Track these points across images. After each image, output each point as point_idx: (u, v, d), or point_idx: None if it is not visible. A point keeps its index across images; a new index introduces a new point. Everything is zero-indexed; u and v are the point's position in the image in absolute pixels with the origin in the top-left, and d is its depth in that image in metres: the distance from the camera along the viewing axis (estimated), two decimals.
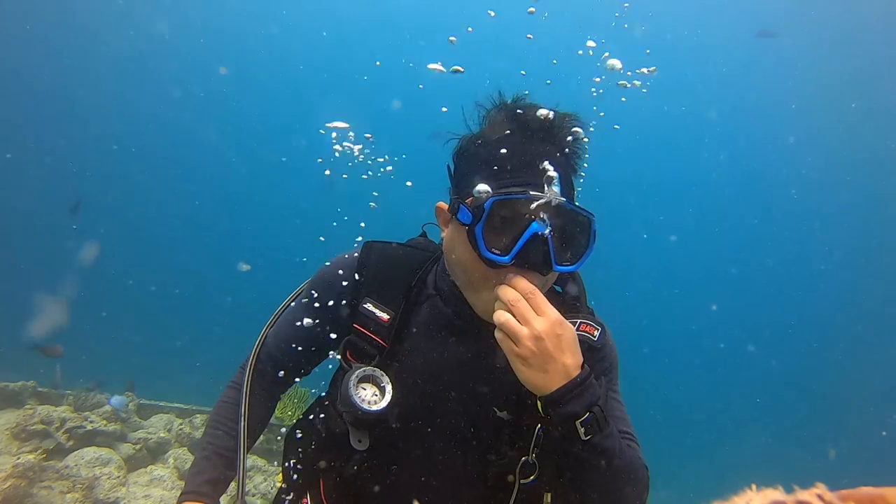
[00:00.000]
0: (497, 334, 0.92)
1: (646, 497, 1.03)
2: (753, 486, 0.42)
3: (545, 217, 0.94)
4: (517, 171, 0.97)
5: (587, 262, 1.01)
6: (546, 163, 0.97)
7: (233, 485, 1.11)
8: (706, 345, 14.50)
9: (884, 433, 10.78)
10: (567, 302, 1.15)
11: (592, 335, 1.07)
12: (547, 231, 0.93)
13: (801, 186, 14.01)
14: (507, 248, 0.94)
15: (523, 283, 0.92)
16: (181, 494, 1.08)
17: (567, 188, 0.99)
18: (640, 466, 1.01)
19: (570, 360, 0.90)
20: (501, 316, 0.90)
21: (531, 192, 0.94)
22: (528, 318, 0.88)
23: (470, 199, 0.98)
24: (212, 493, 1.09)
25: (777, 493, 0.40)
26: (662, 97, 12.75)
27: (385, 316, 1.09)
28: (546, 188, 0.95)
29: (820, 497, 0.38)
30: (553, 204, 0.94)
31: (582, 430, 0.88)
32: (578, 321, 1.07)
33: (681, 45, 12.78)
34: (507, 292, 0.91)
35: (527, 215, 0.94)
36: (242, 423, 1.12)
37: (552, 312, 0.90)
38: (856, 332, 13.33)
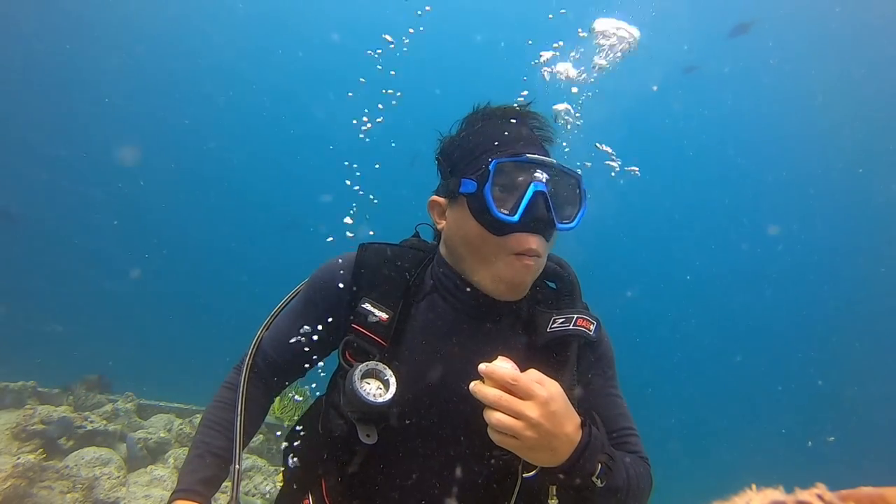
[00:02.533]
0: (494, 436, 0.88)
1: (649, 493, 1.05)
2: (753, 486, 0.42)
3: (543, 178, 1.02)
4: (510, 144, 1.06)
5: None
6: (536, 131, 1.09)
7: (228, 484, 1.10)
8: (707, 344, 14.51)
9: (831, 439, 10.88)
10: (562, 297, 1.16)
11: (589, 329, 1.08)
12: (546, 189, 1.01)
13: (805, 185, 14.02)
14: (513, 208, 1.01)
15: (499, 371, 0.87)
16: (173, 492, 1.07)
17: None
18: (646, 480, 1.03)
19: (571, 427, 0.89)
20: (493, 417, 0.86)
21: (528, 155, 1.03)
22: (518, 410, 0.85)
23: (469, 174, 1.05)
24: (204, 492, 1.08)
25: (777, 493, 0.40)
26: (664, 94, 12.77)
27: (384, 315, 1.09)
28: (540, 153, 1.05)
29: (820, 497, 0.38)
30: (549, 164, 1.03)
31: (598, 481, 0.90)
32: (574, 316, 1.09)
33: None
34: (486, 392, 0.87)
35: (527, 178, 1.02)
36: (238, 423, 1.12)
37: (539, 391, 0.86)
38: (858, 333, 13.33)
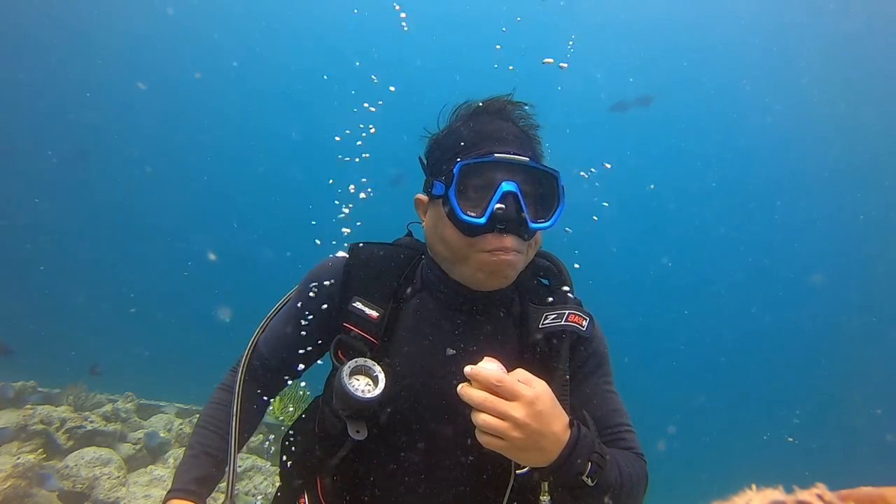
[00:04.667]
0: (481, 438, 0.87)
1: (645, 490, 1.04)
2: (753, 486, 0.42)
3: (514, 178, 0.99)
4: (481, 144, 1.03)
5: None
6: (521, 122, 1.07)
7: (225, 485, 1.11)
8: (707, 345, 14.52)
9: (791, 439, 10.95)
10: (555, 293, 1.15)
11: (581, 325, 1.07)
12: (516, 188, 0.98)
13: (809, 187, 14.05)
14: (482, 210, 0.99)
15: (483, 373, 0.86)
16: (168, 492, 1.07)
17: (530, 154, 1.05)
18: (640, 477, 1.02)
19: (559, 427, 0.87)
20: (479, 418, 0.85)
21: (496, 155, 1.00)
22: (504, 411, 0.84)
23: (440, 176, 1.04)
24: (199, 491, 1.08)
25: (777, 493, 0.40)
26: (663, 98, 12.78)
27: (374, 313, 1.09)
28: (510, 152, 1.01)
29: (820, 497, 0.38)
30: (518, 164, 1.00)
31: (588, 480, 0.89)
32: (567, 312, 1.08)
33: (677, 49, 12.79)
34: (472, 394, 0.86)
35: (496, 178, 1.00)
36: (234, 424, 1.12)
37: (524, 391, 0.85)
38: (856, 333, 13.34)
